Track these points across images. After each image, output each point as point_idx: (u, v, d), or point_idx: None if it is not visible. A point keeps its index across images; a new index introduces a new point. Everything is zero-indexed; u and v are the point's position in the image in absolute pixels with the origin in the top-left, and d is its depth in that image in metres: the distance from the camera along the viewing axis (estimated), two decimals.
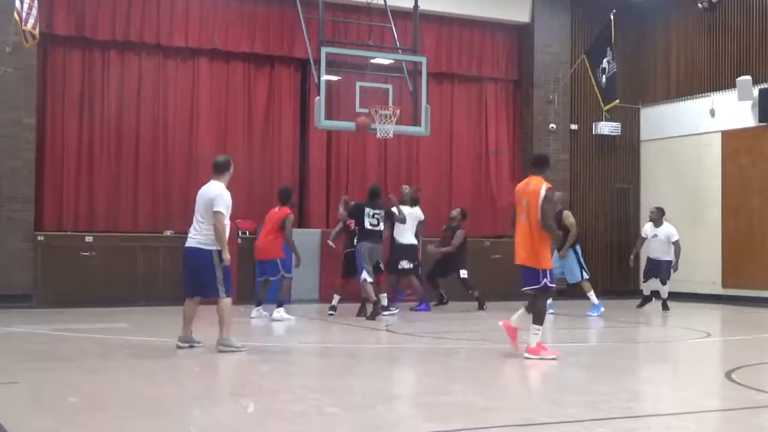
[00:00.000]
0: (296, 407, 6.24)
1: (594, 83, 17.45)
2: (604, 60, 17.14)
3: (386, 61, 15.25)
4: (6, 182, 14.17)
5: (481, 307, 14.49)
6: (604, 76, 17.22)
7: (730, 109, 17.02)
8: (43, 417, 5.87)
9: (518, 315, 8.93)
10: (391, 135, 14.10)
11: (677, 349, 10.71)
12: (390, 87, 14.44)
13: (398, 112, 13.93)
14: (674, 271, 14.66)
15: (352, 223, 13.25)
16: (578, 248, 14.19)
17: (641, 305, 14.97)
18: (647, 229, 14.95)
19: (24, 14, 12.91)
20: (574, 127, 18.58)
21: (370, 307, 12.68)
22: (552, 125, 18.23)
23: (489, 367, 8.48)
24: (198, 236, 8.85)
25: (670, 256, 14.60)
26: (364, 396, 6.84)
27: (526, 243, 8.77)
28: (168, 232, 15.31)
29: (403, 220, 13.48)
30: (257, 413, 6.20)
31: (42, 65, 14.90)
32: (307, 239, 15.31)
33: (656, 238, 14.71)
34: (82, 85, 15.36)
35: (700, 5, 17.54)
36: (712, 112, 17.44)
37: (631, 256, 15.20)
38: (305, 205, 16.75)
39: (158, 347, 9.14)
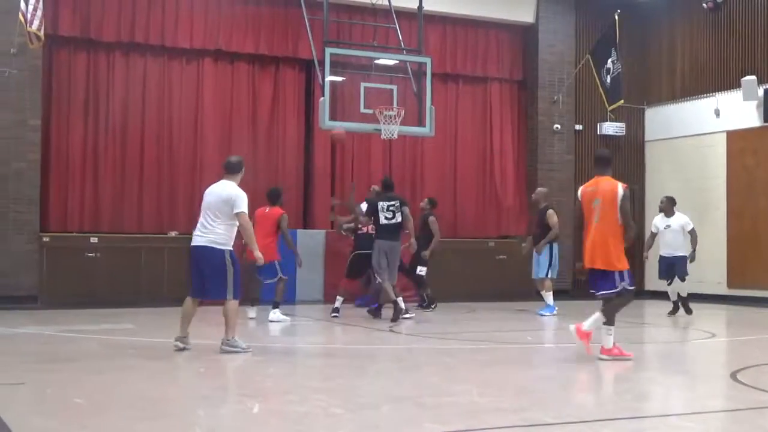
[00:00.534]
0: (301, 408, 6.25)
1: (598, 83, 17.42)
2: (609, 60, 17.11)
3: (391, 62, 15.24)
4: (11, 184, 14.21)
5: (427, 306, 14.25)
6: (608, 76, 17.20)
7: (735, 109, 16.99)
8: (48, 418, 5.88)
9: (593, 319, 8.58)
10: (395, 135, 14.10)
11: (682, 350, 10.71)
12: (394, 88, 14.45)
13: (403, 112, 13.94)
14: (691, 262, 13.84)
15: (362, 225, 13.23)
16: (555, 248, 13.94)
17: (673, 312, 13.93)
18: (657, 221, 14.13)
19: (29, 15, 12.94)
20: (578, 127, 18.57)
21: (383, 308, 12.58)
22: (556, 126, 18.23)
23: (493, 368, 8.47)
24: (209, 235, 8.68)
25: (683, 251, 13.79)
26: (369, 397, 6.84)
27: (601, 245, 8.46)
28: (173, 233, 15.33)
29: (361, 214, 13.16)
30: (262, 414, 6.21)
31: (47, 67, 14.93)
32: (311, 240, 15.32)
33: (669, 229, 13.83)
34: (87, 86, 15.39)
35: (704, 5, 17.52)
36: (717, 113, 17.41)
37: (645, 254, 14.43)
38: (309, 205, 16.77)
39: (163, 348, 9.14)
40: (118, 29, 15.40)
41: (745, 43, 17.07)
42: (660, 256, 14.08)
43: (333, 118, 14.01)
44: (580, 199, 8.87)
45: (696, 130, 17.96)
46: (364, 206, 13.06)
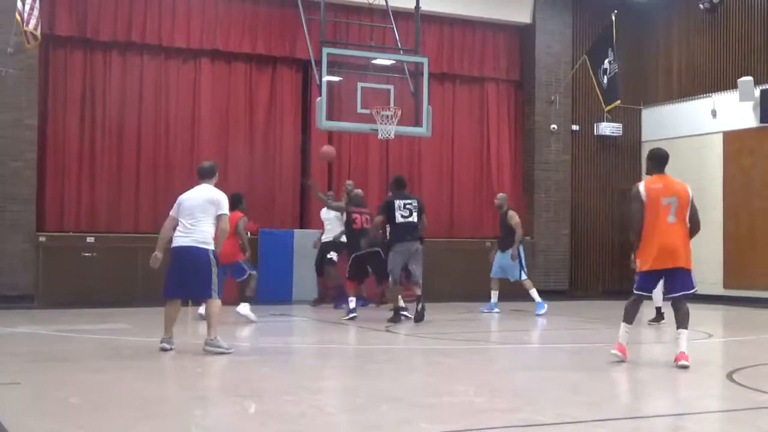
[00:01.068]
0: (297, 408, 6.24)
1: (595, 84, 17.44)
2: (606, 60, 17.13)
3: (388, 62, 15.24)
4: (8, 183, 14.19)
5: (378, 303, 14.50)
6: (605, 76, 17.22)
7: (731, 109, 17.01)
8: (44, 418, 5.87)
9: (684, 339, 8.39)
10: (392, 136, 14.09)
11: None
12: (391, 88, 14.42)
13: (399, 112, 13.93)
14: None
15: (357, 220, 13.26)
16: (521, 248, 13.97)
17: (656, 320, 12.49)
18: None
19: (26, 15, 12.93)
20: (575, 127, 18.59)
21: (391, 309, 12.54)
22: (553, 126, 18.24)
23: (489, 368, 8.47)
24: (193, 235, 8.81)
25: None
26: (366, 397, 6.84)
27: (684, 244, 8.27)
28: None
29: (338, 209, 13.87)
30: (258, 414, 6.20)
31: (44, 66, 14.91)
32: (309, 240, 15.30)
33: None
34: (83, 85, 15.37)
35: (701, 6, 17.53)
36: (714, 113, 17.43)
37: (632, 256, 14.26)
38: (306, 206, 16.75)
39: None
40: (115, 29, 15.38)
41: (742, 43, 17.10)
42: None
43: (330, 118, 14.00)
44: (643, 195, 8.55)
45: (693, 130, 17.98)
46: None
